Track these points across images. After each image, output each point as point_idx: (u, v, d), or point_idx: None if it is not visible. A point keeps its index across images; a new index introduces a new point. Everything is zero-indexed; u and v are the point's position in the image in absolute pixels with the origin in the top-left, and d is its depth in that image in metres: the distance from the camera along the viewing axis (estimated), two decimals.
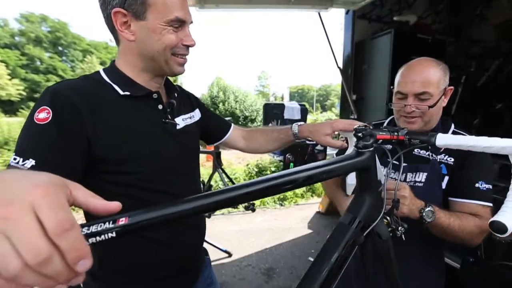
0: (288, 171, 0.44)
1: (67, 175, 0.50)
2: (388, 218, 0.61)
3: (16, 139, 0.53)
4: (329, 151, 2.32)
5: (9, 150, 6.57)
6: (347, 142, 0.79)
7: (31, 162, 0.48)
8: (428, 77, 0.83)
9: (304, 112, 2.66)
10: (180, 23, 0.60)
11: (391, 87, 0.98)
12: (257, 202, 3.84)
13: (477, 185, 0.80)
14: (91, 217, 0.57)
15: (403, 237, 0.60)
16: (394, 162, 0.69)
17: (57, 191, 0.25)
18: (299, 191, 4.34)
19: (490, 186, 0.81)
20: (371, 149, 0.54)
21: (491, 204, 0.80)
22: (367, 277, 0.63)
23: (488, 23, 2.92)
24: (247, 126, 11.19)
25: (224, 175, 2.49)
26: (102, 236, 0.28)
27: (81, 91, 0.56)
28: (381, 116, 2.60)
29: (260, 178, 0.41)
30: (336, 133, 0.81)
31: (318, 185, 4.36)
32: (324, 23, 2.62)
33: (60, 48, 35.73)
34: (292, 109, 2.59)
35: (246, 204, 2.21)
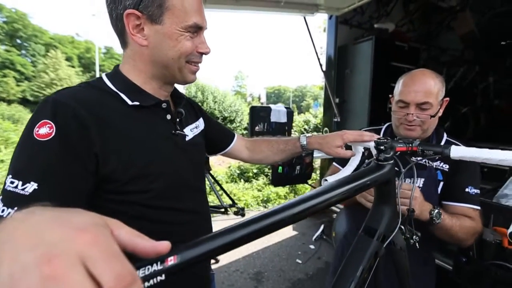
0: (321, 190, 0.43)
1: (75, 199, 0.46)
2: (402, 227, 0.62)
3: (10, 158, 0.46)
4: (316, 153, 2.36)
5: None
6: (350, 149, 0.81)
7: (32, 186, 0.42)
8: (430, 87, 0.86)
9: (290, 115, 2.68)
10: (197, 29, 0.56)
11: (390, 95, 1.01)
12: (240, 205, 3.81)
13: (466, 189, 0.86)
14: None
15: (417, 245, 0.62)
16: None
17: (106, 236, 0.21)
18: (282, 192, 4.39)
19: (478, 191, 0.87)
20: (391, 161, 0.55)
21: (479, 208, 0.86)
22: (378, 285, 0.64)
23: (455, 33, 3.17)
24: (227, 126, 11.10)
25: (212, 179, 2.43)
26: (151, 281, 0.25)
27: (87, 101, 0.50)
28: (363, 119, 2.71)
29: (294, 201, 0.39)
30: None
31: (300, 186, 4.45)
32: (303, 27, 2.67)
33: (18, 41, 32.79)
34: (278, 112, 2.60)
35: (235, 209, 2.17)
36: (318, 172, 4.00)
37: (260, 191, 4.51)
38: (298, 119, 11.54)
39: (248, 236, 0.32)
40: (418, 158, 0.94)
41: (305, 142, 0.82)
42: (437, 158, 0.88)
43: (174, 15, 0.53)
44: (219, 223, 3.24)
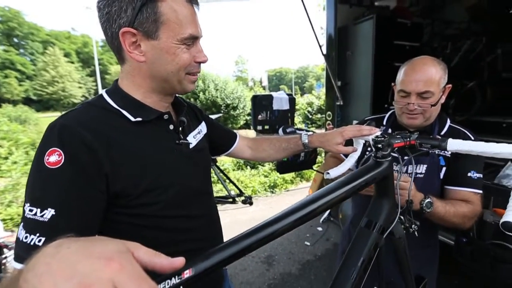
0: (323, 192, 0.46)
1: (90, 219, 0.50)
2: (401, 217, 0.65)
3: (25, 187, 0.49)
4: None
5: None
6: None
7: (50, 212, 0.45)
8: (431, 76, 0.86)
9: (292, 102, 2.68)
10: (193, 40, 0.57)
11: (392, 84, 1.01)
12: (249, 192, 3.89)
13: (469, 174, 0.88)
14: None
15: (416, 233, 0.65)
16: (394, 154, 0.73)
17: (130, 261, 0.24)
18: (288, 177, 4.45)
19: (481, 175, 0.88)
20: (389, 158, 0.57)
21: (481, 191, 0.88)
22: (380, 273, 0.68)
23: (460, 5, 3.03)
24: (229, 114, 11.05)
25: (218, 170, 2.48)
26: None
27: (92, 125, 0.52)
28: (366, 102, 2.68)
29: (297, 205, 0.43)
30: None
31: (306, 170, 4.49)
32: (294, 9, 2.59)
33: (15, 40, 32.58)
34: (280, 100, 2.60)
35: (243, 198, 2.24)
36: (323, 155, 4.02)
37: (267, 176, 4.59)
38: (301, 101, 11.40)
39: (257, 243, 0.36)
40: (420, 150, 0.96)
41: (306, 141, 0.84)
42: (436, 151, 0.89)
43: (170, 29, 0.53)
44: (229, 212, 3.34)
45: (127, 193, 0.54)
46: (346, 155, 0.93)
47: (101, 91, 0.61)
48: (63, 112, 0.55)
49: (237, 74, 52.25)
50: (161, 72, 0.57)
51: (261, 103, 2.57)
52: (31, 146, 5.66)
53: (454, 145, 0.56)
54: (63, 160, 0.47)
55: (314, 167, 2.84)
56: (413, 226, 0.66)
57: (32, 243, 0.44)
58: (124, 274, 0.22)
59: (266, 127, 2.63)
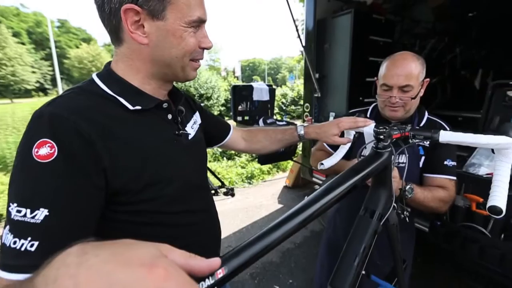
0: (331, 185, 0.47)
1: (87, 218, 0.46)
2: (395, 204, 0.69)
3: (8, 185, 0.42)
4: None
5: None
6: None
7: (43, 213, 0.40)
8: (411, 71, 0.91)
9: (272, 92, 2.68)
10: (200, 23, 0.53)
11: (375, 78, 1.05)
12: (226, 183, 3.87)
13: (445, 162, 0.96)
14: None
15: (407, 219, 0.70)
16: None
17: (173, 266, 0.22)
18: (265, 168, 4.50)
19: (455, 163, 0.97)
20: (389, 149, 0.59)
21: (455, 178, 0.96)
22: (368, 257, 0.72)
23: (427, 5, 3.23)
24: (204, 104, 10.78)
25: None
26: None
27: (87, 112, 0.46)
28: (343, 94, 2.77)
29: (317, 193, 0.43)
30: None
31: (283, 162, 4.57)
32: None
33: None
34: (260, 90, 2.58)
35: (224, 190, 2.22)
36: (300, 147, 4.12)
37: (244, 168, 4.59)
38: (275, 92, 11.51)
39: (283, 236, 0.36)
40: (411, 142, 1.02)
41: (302, 132, 0.85)
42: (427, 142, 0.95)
43: (178, 10, 0.49)
44: None
45: (128, 189, 0.49)
46: (335, 147, 0.96)
47: (92, 75, 0.54)
48: (50, 99, 0.47)
49: (209, 63, 50.91)
50: (164, 57, 0.52)
51: (241, 93, 2.54)
52: None
53: (446, 136, 0.60)
54: (56, 153, 0.41)
55: (293, 157, 2.91)
56: (404, 212, 0.70)
57: (22, 249, 0.39)
58: (172, 281, 0.20)
59: (246, 118, 2.61)
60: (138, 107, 0.52)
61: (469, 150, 1.40)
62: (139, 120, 0.53)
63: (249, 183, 4.20)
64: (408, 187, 0.86)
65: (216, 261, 0.27)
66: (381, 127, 0.60)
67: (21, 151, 0.42)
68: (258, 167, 4.43)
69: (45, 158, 0.41)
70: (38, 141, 0.41)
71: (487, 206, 0.54)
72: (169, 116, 0.60)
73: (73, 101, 0.48)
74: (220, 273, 0.29)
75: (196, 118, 0.74)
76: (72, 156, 0.43)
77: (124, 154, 0.49)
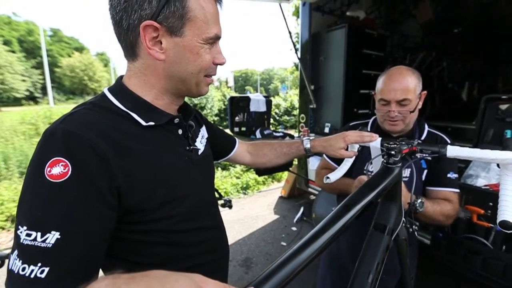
0: (348, 202, 0.47)
1: (99, 240, 0.44)
2: (404, 219, 0.69)
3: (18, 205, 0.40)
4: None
5: None
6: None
7: (54, 236, 0.38)
8: (407, 85, 0.93)
9: (269, 104, 2.70)
10: (216, 40, 0.53)
11: (372, 92, 1.07)
12: (224, 195, 3.82)
13: (448, 175, 0.97)
14: (106, 268, 0.49)
15: (416, 234, 0.70)
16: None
17: None
18: (260, 178, 4.48)
19: (457, 175, 0.98)
20: (399, 164, 0.60)
21: (459, 190, 0.98)
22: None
23: (416, 21, 3.37)
24: None
25: None
26: None
27: (101, 130, 0.45)
28: (338, 105, 2.82)
29: (337, 212, 0.43)
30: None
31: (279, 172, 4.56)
32: (271, 11, 2.64)
33: None
34: (257, 102, 2.60)
35: (222, 202, 2.18)
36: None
37: (239, 178, 4.56)
38: None
39: (312, 256, 0.35)
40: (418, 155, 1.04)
41: (308, 146, 0.85)
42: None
43: (196, 27, 0.49)
44: None
45: (142, 207, 0.48)
46: (338, 162, 0.96)
47: (104, 90, 0.54)
48: (62, 116, 0.46)
49: None
50: (180, 72, 0.52)
51: (238, 104, 2.55)
52: None
53: (454, 151, 0.61)
54: (69, 172, 0.39)
55: (290, 168, 2.91)
56: (413, 226, 0.70)
57: (32, 276, 0.36)
58: None
59: (243, 128, 2.61)
60: (151, 123, 0.52)
61: (466, 161, 1.43)
62: (152, 136, 0.52)
63: (244, 194, 4.16)
64: (419, 201, 0.86)
65: None
66: (391, 143, 0.60)
67: (32, 170, 0.41)
68: (253, 178, 4.41)
69: (58, 178, 0.39)
70: (51, 160, 0.40)
71: (497, 221, 0.54)
72: (180, 131, 0.59)
73: (87, 117, 0.46)
74: None
75: (203, 132, 0.73)
76: (86, 176, 0.41)
77: (139, 172, 0.47)
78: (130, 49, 0.51)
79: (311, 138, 0.87)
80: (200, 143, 0.66)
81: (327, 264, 1.24)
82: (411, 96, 0.94)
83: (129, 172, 0.46)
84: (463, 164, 1.44)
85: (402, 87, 0.93)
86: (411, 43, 3.51)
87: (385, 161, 0.60)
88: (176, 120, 0.57)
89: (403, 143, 0.65)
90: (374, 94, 1.06)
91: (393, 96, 0.94)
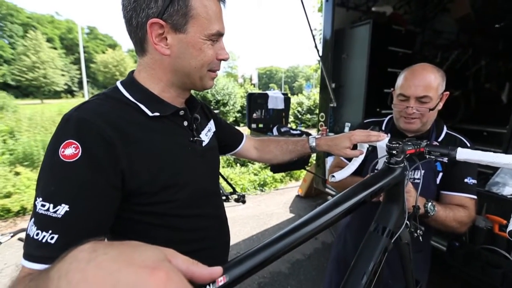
0: (339, 199, 0.46)
1: (104, 217, 0.48)
2: (408, 222, 0.67)
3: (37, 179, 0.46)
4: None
5: None
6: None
7: (64, 208, 0.43)
8: (430, 82, 0.89)
9: (287, 101, 2.69)
10: (218, 37, 0.56)
11: (391, 89, 1.03)
12: (238, 190, 3.88)
13: (466, 180, 0.91)
14: None
15: (420, 238, 0.67)
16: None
17: (175, 271, 0.23)
18: (278, 176, 4.47)
19: (475, 181, 0.92)
20: (402, 165, 0.58)
21: (476, 197, 0.91)
22: (379, 276, 0.69)
23: (450, 16, 3.14)
24: (220, 110, 10.94)
25: None
26: None
27: (111, 118, 0.50)
28: (359, 105, 2.73)
29: (321, 209, 0.43)
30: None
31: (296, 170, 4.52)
32: (296, 7, 2.60)
33: None
34: (275, 99, 2.60)
35: (236, 196, 2.23)
36: (314, 156, 4.07)
37: (257, 175, 4.59)
38: (291, 101, 11.47)
39: (288, 247, 0.36)
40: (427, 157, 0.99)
41: (314, 144, 0.85)
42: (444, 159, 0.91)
43: (198, 23, 0.52)
44: None
45: (142, 191, 0.52)
46: (351, 160, 0.95)
47: (117, 83, 0.59)
48: (77, 104, 0.51)
49: (227, 70, 51.90)
50: (184, 67, 0.56)
51: (256, 101, 2.56)
52: (9, 135, 5.36)
53: (464, 154, 0.58)
54: (79, 154, 0.44)
55: (307, 167, 2.87)
56: (418, 231, 0.67)
57: (44, 241, 0.42)
58: (172, 285, 0.21)
59: (261, 125, 2.62)
60: (157, 114, 0.56)
61: (493, 167, 1.32)
62: (157, 126, 0.56)
63: (261, 191, 4.18)
64: (430, 204, 0.82)
65: (217, 269, 0.28)
66: (394, 142, 0.58)
67: (49, 150, 0.46)
68: (271, 175, 4.41)
69: (70, 158, 0.44)
70: (65, 142, 0.45)
71: (507, 230, 0.51)
72: (185, 123, 0.63)
73: (98, 107, 0.51)
74: (221, 281, 0.29)
75: (211, 126, 0.76)
76: (94, 158, 0.46)
77: (142, 158, 0.52)
78: (140, 45, 0.55)
79: (317, 136, 0.86)
80: (205, 136, 0.69)
81: (334, 266, 1.23)
82: (432, 94, 0.89)
83: (132, 157, 0.50)
84: (490, 171, 1.33)
85: (424, 84, 0.89)
86: (443, 40, 3.28)
87: (386, 160, 0.59)
88: (181, 112, 0.61)
89: (409, 143, 0.62)
90: (393, 90, 1.02)
91: (413, 92, 0.90)
